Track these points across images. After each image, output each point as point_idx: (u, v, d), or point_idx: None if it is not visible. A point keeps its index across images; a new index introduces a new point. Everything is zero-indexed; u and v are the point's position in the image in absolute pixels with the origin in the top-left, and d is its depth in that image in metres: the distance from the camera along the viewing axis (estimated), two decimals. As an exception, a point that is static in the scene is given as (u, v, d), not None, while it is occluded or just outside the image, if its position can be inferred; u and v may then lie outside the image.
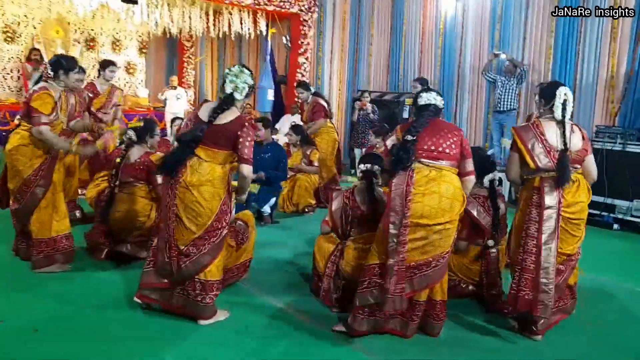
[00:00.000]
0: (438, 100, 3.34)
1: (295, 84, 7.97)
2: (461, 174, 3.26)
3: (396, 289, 3.05)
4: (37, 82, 4.04)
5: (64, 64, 4.03)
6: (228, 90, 3.28)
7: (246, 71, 3.33)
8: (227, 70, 3.33)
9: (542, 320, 3.28)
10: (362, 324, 3.17)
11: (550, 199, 3.23)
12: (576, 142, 3.33)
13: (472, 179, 3.32)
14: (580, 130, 3.40)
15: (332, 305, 3.60)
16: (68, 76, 4.07)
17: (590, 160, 3.43)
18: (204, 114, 3.28)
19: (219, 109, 3.24)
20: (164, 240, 3.29)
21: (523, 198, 3.38)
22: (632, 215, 6.08)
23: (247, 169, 3.29)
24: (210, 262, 3.28)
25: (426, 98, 3.33)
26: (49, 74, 3.98)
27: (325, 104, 7.18)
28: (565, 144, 3.24)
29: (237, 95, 3.29)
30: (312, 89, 7.55)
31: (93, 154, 4.37)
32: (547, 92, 3.35)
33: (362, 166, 3.69)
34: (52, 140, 3.89)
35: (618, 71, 6.99)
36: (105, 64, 6.36)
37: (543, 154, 3.26)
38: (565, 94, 3.28)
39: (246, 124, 3.28)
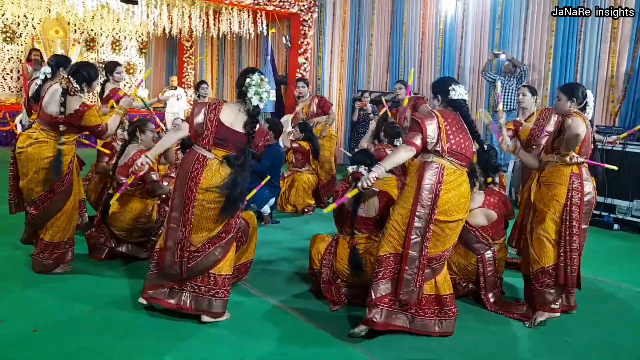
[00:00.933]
0: (467, 95, 3.33)
1: (295, 79, 7.95)
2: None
3: (418, 280, 3.15)
4: (63, 94, 3.78)
5: (87, 77, 3.90)
6: (255, 102, 3.29)
7: (265, 79, 3.35)
8: (248, 80, 3.29)
9: (571, 297, 3.65)
10: (381, 315, 3.17)
11: (589, 185, 3.53)
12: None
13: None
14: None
15: (332, 299, 3.60)
16: (91, 87, 4.01)
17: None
18: (228, 119, 3.28)
19: (256, 123, 3.30)
20: (176, 241, 3.28)
21: (555, 183, 3.54)
22: (632, 216, 6.07)
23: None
24: (224, 256, 3.34)
25: (459, 92, 3.27)
26: (75, 87, 3.81)
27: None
28: (595, 140, 3.63)
29: (261, 106, 3.34)
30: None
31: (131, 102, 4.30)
32: (578, 93, 3.63)
33: (350, 168, 3.68)
34: (113, 128, 4.00)
35: (618, 71, 6.99)
36: (112, 66, 6.34)
37: (588, 144, 3.56)
38: (591, 99, 3.69)
39: (268, 135, 3.50)
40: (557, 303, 3.53)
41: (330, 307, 3.61)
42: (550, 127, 4.75)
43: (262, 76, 3.33)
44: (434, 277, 3.27)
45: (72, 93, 3.80)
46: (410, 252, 3.13)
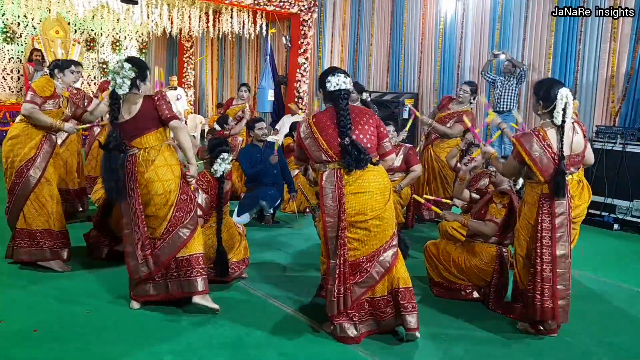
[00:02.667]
0: (348, 83, 3.15)
1: (297, 83, 7.93)
2: (381, 156, 3.20)
3: (340, 290, 3.04)
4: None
5: (59, 63, 4.28)
6: (110, 87, 3.35)
7: (126, 65, 3.33)
8: (109, 67, 3.47)
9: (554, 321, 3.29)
10: (344, 330, 3.11)
11: (561, 206, 3.19)
12: (579, 141, 3.27)
13: (392, 157, 3.25)
14: (580, 126, 3.32)
15: None
16: (64, 74, 4.24)
17: (589, 149, 3.43)
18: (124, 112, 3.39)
19: (112, 110, 3.33)
20: (133, 243, 3.36)
21: (529, 204, 3.29)
22: (632, 216, 6.07)
23: (176, 123, 3.38)
24: (190, 236, 3.38)
25: (335, 82, 3.12)
26: (46, 73, 4.22)
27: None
28: (562, 153, 3.13)
29: (119, 91, 3.32)
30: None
31: (73, 132, 4.38)
32: (546, 94, 3.17)
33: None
34: (36, 116, 3.99)
35: (618, 71, 6.99)
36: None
37: (552, 167, 3.14)
38: (566, 97, 3.10)
39: (154, 97, 3.38)
40: (542, 325, 3.32)
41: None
42: None
43: (124, 63, 3.33)
44: (387, 271, 3.10)
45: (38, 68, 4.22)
46: (330, 261, 3.08)
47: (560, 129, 3.15)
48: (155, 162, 3.33)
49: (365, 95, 6.14)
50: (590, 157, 3.50)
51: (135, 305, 3.45)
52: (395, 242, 3.18)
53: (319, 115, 3.18)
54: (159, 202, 3.34)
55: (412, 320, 3.10)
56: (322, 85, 3.21)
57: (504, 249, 3.72)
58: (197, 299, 3.36)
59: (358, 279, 3.10)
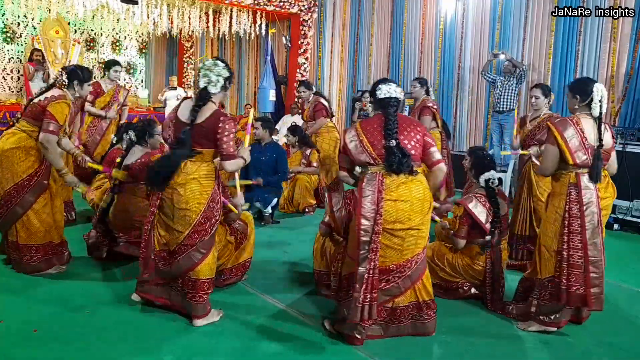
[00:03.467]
0: (398, 92, 3.20)
1: (296, 83, 7.97)
2: (429, 165, 3.19)
3: (365, 297, 2.99)
4: (48, 88, 3.89)
5: (80, 75, 4.01)
6: (202, 84, 3.21)
7: (220, 64, 3.25)
8: (200, 65, 3.27)
9: (564, 312, 3.37)
10: (355, 330, 3.10)
11: (589, 195, 3.28)
12: (608, 139, 3.39)
13: (441, 167, 3.18)
14: (609, 128, 3.45)
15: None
16: (82, 88, 4.06)
17: (614, 155, 3.57)
18: (183, 113, 3.23)
19: (197, 107, 3.17)
20: (151, 243, 3.32)
21: (556, 194, 3.37)
22: (632, 216, 6.08)
23: (229, 165, 3.25)
24: (202, 259, 3.26)
25: (386, 90, 3.17)
26: (64, 81, 3.89)
27: (326, 103, 7.19)
28: (600, 140, 3.27)
29: (211, 89, 3.21)
30: (314, 89, 7.54)
31: (71, 185, 4.14)
32: (583, 89, 3.33)
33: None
34: (54, 154, 3.81)
35: (618, 71, 6.99)
36: (110, 64, 6.36)
37: (582, 151, 3.25)
38: (601, 91, 3.28)
39: (222, 118, 3.18)
40: (551, 317, 3.36)
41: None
42: (543, 136, 4.71)
43: (218, 62, 3.24)
44: (412, 284, 3.14)
45: (58, 86, 3.86)
46: (359, 268, 3.01)
47: (598, 120, 3.30)
48: (188, 175, 3.18)
49: (314, 89, 6.26)
50: (614, 164, 3.60)
51: (136, 297, 3.43)
52: (424, 256, 3.22)
53: (366, 121, 3.23)
54: (177, 215, 3.21)
55: (431, 326, 3.25)
56: (373, 93, 3.25)
57: (495, 249, 3.74)
58: (197, 323, 3.28)
59: (384, 286, 3.10)
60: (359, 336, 3.10)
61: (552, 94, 4.86)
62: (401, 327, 3.22)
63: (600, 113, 3.28)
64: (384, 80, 3.25)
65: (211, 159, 3.28)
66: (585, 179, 3.28)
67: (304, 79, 10.61)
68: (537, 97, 4.68)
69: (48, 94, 3.83)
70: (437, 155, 3.18)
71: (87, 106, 6.17)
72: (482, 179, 3.84)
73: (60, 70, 3.94)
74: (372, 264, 3.00)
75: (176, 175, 3.18)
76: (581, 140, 3.25)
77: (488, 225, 3.74)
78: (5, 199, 3.86)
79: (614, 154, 3.55)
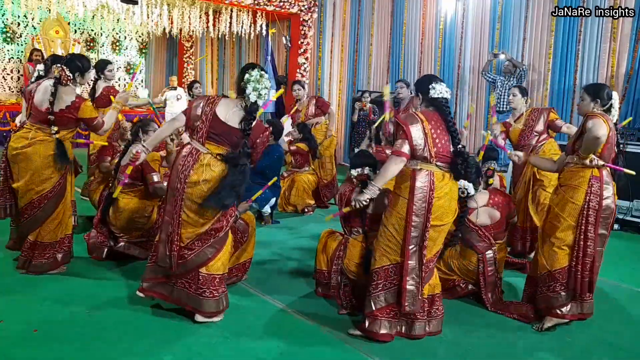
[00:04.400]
0: (449, 94, 3.24)
1: (292, 82, 7.94)
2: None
3: (418, 290, 3.14)
4: (54, 85, 3.80)
5: (80, 67, 3.95)
6: (252, 98, 3.23)
7: (265, 75, 3.29)
8: (247, 75, 3.24)
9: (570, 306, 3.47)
10: (381, 326, 3.17)
11: (608, 189, 3.43)
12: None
13: None
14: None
15: (341, 303, 3.60)
16: (84, 77, 4.01)
17: None
18: (224, 114, 3.26)
19: (252, 120, 3.25)
20: (167, 233, 3.29)
21: (574, 187, 3.43)
22: (632, 216, 6.07)
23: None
24: (215, 255, 3.30)
25: (439, 90, 3.19)
26: (68, 76, 3.83)
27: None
28: (619, 142, 3.51)
29: (260, 103, 3.28)
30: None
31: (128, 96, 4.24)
32: (604, 95, 3.48)
33: (353, 171, 3.65)
34: (110, 122, 3.97)
35: (618, 71, 6.99)
36: (103, 65, 6.34)
37: (611, 147, 3.46)
38: (615, 98, 3.50)
39: (266, 132, 3.40)
40: (565, 308, 3.43)
41: (338, 310, 3.60)
42: (540, 126, 4.82)
43: (262, 72, 3.28)
44: (430, 279, 3.27)
45: (64, 82, 3.80)
46: (409, 262, 3.11)
47: (614, 125, 3.51)
48: (214, 173, 3.21)
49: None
50: None
51: (140, 294, 3.42)
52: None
53: (428, 115, 3.17)
54: (195, 210, 3.23)
55: (439, 324, 3.33)
56: (425, 90, 3.21)
57: (488, 251, 3.74)
58: (199, 318, 3.29)
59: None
60: (388, 332, 3.18)
61: (528, 94, 5.22)
62: (421, 324, 3.25)
63: (617, 120, 3.52)
64: (435, 79, 3.23)
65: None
66: (605, 174, 3.43)
67: (303, 79, 10.62)
68: (515, 94, 5.00)
69: (67, 101, 3.79)
70: None
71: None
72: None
73: (60, 66, 3.85)
74: (425, 258, 3.14)
75: (203, 172, 3.20)
76: (613, 137, 3.45)
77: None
78: (29, 207, 3.89)
79: None
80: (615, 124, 3.55)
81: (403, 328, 3.25)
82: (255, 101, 3.25)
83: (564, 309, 3.44)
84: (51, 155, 3.82)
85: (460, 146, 3.14)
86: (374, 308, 3.17)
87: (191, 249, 3.27)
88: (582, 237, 3.39)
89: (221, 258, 3.34)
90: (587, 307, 3.53)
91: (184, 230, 3.27)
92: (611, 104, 3.48)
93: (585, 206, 3.39)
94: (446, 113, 3.18)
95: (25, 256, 3.98)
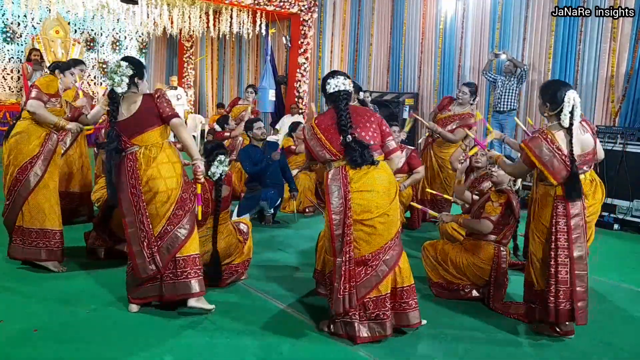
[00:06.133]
0: (347, 84, 3.20)
1: (297, 83, 7.93)
2: (386, 154, 3.22)
3: (345, 288, 3.05)
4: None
5: (59, 65, 4.33)
6: (109, 87, 3.37)
7: (123, 64, 3.35)
8: (108, 67, 3.49)
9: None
10: (339, 329, 3.15)
11: (576, 207, 3.19)
12: (588, 139, 3.28)
13: (397, 154, 3.26)
14: (588, 124, 3.35)
15: None
16: (64, 75, 4.29)
17: (598, 146, 3.47)
18: (124, 110, 3.41)
19: (112, 108, 3.36)
20: (139, 242, 3.33)
21: (542, 206, 3.28)
22: (632, 216, 6.07)
23: (177, 120, 3.40)
24: (188, 236, 3.36)
25: (334, 84, 3.18)
26: (46, 72, 4.17)
27: None
28: (572, 157, 3.12)
29: (118, 90, 3.33)
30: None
31: (77, 131, 4.43)
32: (553, 96, 3.17)
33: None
34: (41, 113, 4.01)
35: (618, 71, 6.99)
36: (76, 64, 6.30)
37: (563, 169, 3.14)
38: (573, 100, 3.10)
39: (154, 94, 3.41)
40: (563, 326, 3.30)
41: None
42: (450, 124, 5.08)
43: (121, 62, 3.36)
44: (390, 270, 3.12)
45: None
46: (337, 259, 3.07)
47: (569, 131, 3.14)
48: (157, 159, 3.33)
49: (362, 94, 6.13)
50: (600, 153, 3.57)
51: (134, 308, 3.42)
52: (399, 240, 3.21)
53: (321, 117, 3.26)
54: (160, 200, 3.32)
55: (415, 316, 3.19)
56: (323, 88, 3.28)
57: (502, 248, 3.74)
58: (192, 302, 3.33)
59: (363, 277, 3.11)
60: (351, 333, 3.11)
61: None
62: (392, 320, 3.17)
63: (571, 124, 3.12)
64: (332, 74, 3.24)
65: (165, 137, 3.44)
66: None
67: (302, 79, 10.62)
68: (465, 93, 5.13)
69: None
70: (393, 144, 3.24)
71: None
72: (519, 183, 3.89)
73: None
74: (347, 255, 3.05)
75: (145, 163, 3.31)
76: (560, 159, 3.13)
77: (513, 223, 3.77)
78: (13, 184, 3.99)
79: (598, 145, 3.47)
80: (570, 128, 3.12)
81: (376, 331, 3.14)
82: (112, 89, 3.33)
83: (561, 327, 3.32)
84: (21, 133, 4.00)
85: (348, 137, 3.06)
86: (334, 313, 3.13)
87: (163, 236, 3.33)
88: (552, 262, 3.18)
89: (195, 238, 3.42)
90: (566, 326, 3.34)
91: (154, 224, 3.34)
92: (561, 109, 3.11)
93: (553, 230, 3.19)
94: (340, 106, 3.15)
95: (17, 243, 4.03)
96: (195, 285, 3.35)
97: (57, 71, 4.26)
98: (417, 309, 3.21)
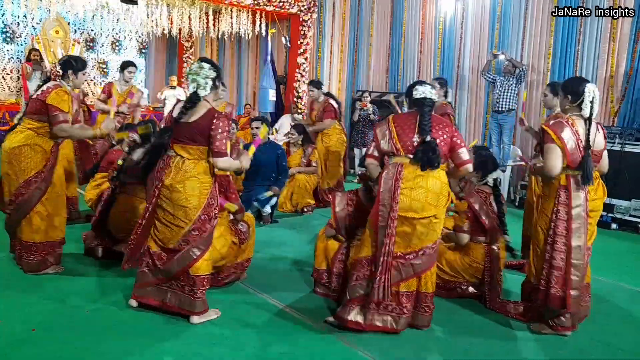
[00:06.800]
0: (434, 94, 3.39)
1: (296, 83, 7.91)
2: (458, 165, 3.37)
3: (381, 278, 3.16)
4: (45, 82, 3.95)
5: (74, 65, 4.05)
6: (191, 89, 3.30)
7: (205, 65, 3.31)
8: (187, 69, 3.39)
9: (568, 316, 3.33)
10: (352, 313, 3.23)
11: (578, 197, 3.28)
12: (600, 140, 3.40)
13: (468, 167, 3.38)
14: (602, 128, 3.46)
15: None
16: (77, 76, 4.08)
17: (605, 154, 3.56)
18: (176, 112, 3.33)
19: (184, 108, 3.28)
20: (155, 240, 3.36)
21: (546, 197, 3.40)
22: (630, 215, 6.08)
23: (221, 162, 3.31)
24: (200, 256, 3.32)
25: (422, 91, 3.36)
26: (58, 72, 3.94)
27: (336, 105, 7.07)
28: (588, 142, 3.25)
29: (201, 92, 3.28)
30: (324, 89, 7.43)
31: (109, 129, 4.25)
32: (575, 89, 3.33)
33: (358, 169, 3.74)
34: (76, 132, 3.99)
35: (617, 71, 6.99)
36: (125, 65, 6.37)
37: (577, 153, 3.26)
38: (593, 92, 3.28)
39: (216, 115, 3.28)
40: (556, 321, 3.35)
41: (337, 309, 3.59)
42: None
43: (203, 63, 3.31)
44: (416, 275, 3.26)
45: (53, 77, 3.90)
46: (378, 251, 3.19)
47: (588, 121, 3.29)
48: (187, 173, 3.25)
49: (324, 89, 6.80)
50: (605, 163, 3.59)
51: (133, 303, 3.44)
52: (434, 252, 3.33)
53: (399, 116, 3.46)
54: (177, 214, 3.26)
55: (426, 320, 3.37)
56: (409, 93, 3.42)
57: (494, 247, 3.77)
58: (195, 320, 3.31)
59: (393, 272, 3.22)
60: (361, 321, 3.22)
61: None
62: (407, 317, 3.28)
63: (591, 114, 3.29)
64: (420, 82, 3.46)
65: (207, 157, 3.32)
66: (575, 182, 3.29)
67: (303, 79, 10.61)
68: (546, 94, 4.94)
69: (44, 87, 3.89)
70: (465, 156, 3.35)
71: (98, 103, 6.17)
72: (490, 178, 3.92)
73: (55, 63, 4.02)
74: (388, 247, 3.15)
75: (175, 173, 3.25)
76: (577, 142, 3.26)
77: (487, 221, 3.78)
78: (15, 196, 3.90)
79: (605, 154, 3.54)
80: (590, 118, 3.29)
81: (389, 323, 3.26)
82: (195, 91, 3.27)
83: (557, 321, 3.35)
84: (25, 144, 3.83)
85: (428, 137, 3.20)
86: (348, 297, 3.26)
87: (176, 250, 3.30)
88: (549, 248, 3.30)
89: (206, 259, 3.36)
90: (564, 321, 3.37)
91: (167, 234, 3.31)
92: (582, 99, 3.29)
93: (554, 217, 3.29)
94: (424, 111, 3.28)
95: (18, 253, 3.99)
96: (200, 306, 3.32)
97: (70, 71, 4.03)
98: (431, 315, 3.37)
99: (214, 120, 3.23)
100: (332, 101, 7.04)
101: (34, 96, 3.88)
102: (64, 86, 3.94)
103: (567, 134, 3.26)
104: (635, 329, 3.58)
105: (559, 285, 3.27)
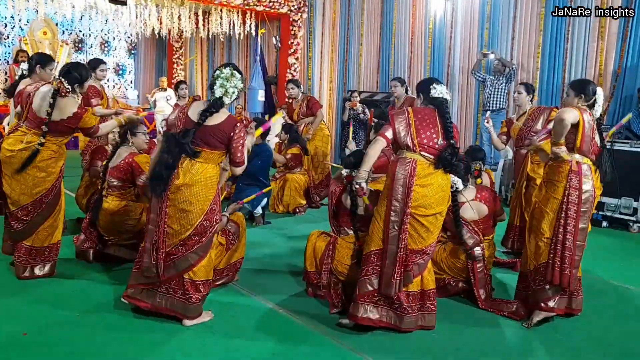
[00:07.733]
0: (448, 95, 3.42)
1: (286, 81, 7.93)
2: None
3: (396, 273, 3.19)
4: (53, 95, 3.75)
5: (79, 78, 3.89)
6: (217, 94, 3.25)
7: (237, 75, 3.28)
8: (218, 72, 3.28)
9: (557, 299, 3.50)
10: (362, 310, 3.24)
11: (589, 184, 3.46)
12: (597, 139, 3.58)
13: None
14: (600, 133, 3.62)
15: (332, 302, 3.61)
16: (83, 87, 3.96)
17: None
18: (193, 113, 3.25)
19: (209, 112, 3.20)
20: (152, 242, 3.27)
21: (554, 182, 3.50)
22: (620, 213, 6.13)
23: (239, 170, 3.35)
24: (198, 261, 3.28)
25: (440, 90, 3.38)
26: (67, 89, 3.80)
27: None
28: (602, 140, 3.53)
29: (226, 100, 3.28)
30: (302, 88, 7.52)
31: (134, 120, 4.29)
32: (588, 90, 3.51)
33: (344, 171, 3.70)
34: (105, 131, 4.10)
35: (606, 70, 7.05)
36: (95, 64, 6.29)
37: (589, 141, 3.45)
38: (600, 95, 3.54)
39: (238, 124, 3.26)
40: (552, 302, 3.48)
41: (330, 309, 3.60)
42: (539, 126, 4.83)
43: (235, 72, 3.29)
44: (420, 273, 3.30)
45: (63, 94, 3.76)
46: (389, 246, 3.22)
47: (597, 121, 3.55)
48: (194, 177, 3.18)
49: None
50: None
51: (124, 299, 3.41)
52: (434, 249, 3.41)
53: (418, 109, 3.38)
54: (179, 215, 3.21)
55: (433, 319, 3.37)
56: (426, 90, 3.41)
57: (477, 247, 3.76)
58: (187, 323, 3.29)
59: (413, 267, 3.26)
60: (373, 317, 3.26)
61: (535, 92, 5.21)
62: (414, 318, 3.30)
63: (601, 115, 3.56)
64: (437, 81, 3.45)
65: (217, 162, 3.29)
66: (585, 168, 3.46)
67: (294, 78, 10.61)
68: (520, 92, 5.01)
69: (68, 112, 3.76)
70: None
71: (98, 109, 6.10)
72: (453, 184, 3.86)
73: (58, 77, 3.81)
74: (403, 242, 3.19)
75: (183, 175, 3.18)
76: (592, 130, 3.46)
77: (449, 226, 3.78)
78: (23, 212, 3.86)
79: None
80: (600, 120, 3.58)
81: (392, 319, 3.29)
82: (221, 97, 3.25)
83: (550, 303, 3.49)
84: (46, 160, 3.79)
85: (452, 141, 3.25)
86: (358, 292, 3.26)
87: (174, 254, 3.26)
88: (561, 230, 3.45)
89: (204, 264, 3.31)
90: (576, 303, 3.58)
91: (168, 237, 3.24)
92: (595, 100, 3.51)
93: (565, 200, 3.45)
94: (445, 112, 3.33)
95: (23, 263, 3.92)
96: (190, 310, 3.28)
97: (76, 85, 3.88)
98: (435, 312, 3.36)
99: (236, 131, 3.22)
100: (313, 96, 7.14)
101: (58, 119, 3.74)
102: (79, 102, 3.93)
103: (587, 117, 3.44)
104: (626, 325, 3.61)
105: (567, 264, 3.45)
